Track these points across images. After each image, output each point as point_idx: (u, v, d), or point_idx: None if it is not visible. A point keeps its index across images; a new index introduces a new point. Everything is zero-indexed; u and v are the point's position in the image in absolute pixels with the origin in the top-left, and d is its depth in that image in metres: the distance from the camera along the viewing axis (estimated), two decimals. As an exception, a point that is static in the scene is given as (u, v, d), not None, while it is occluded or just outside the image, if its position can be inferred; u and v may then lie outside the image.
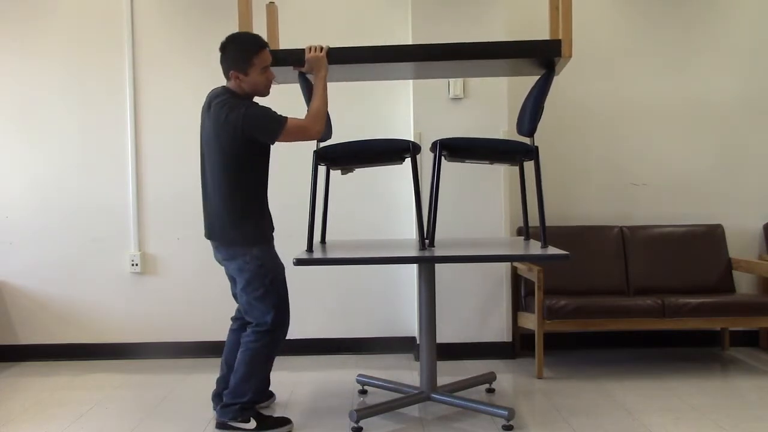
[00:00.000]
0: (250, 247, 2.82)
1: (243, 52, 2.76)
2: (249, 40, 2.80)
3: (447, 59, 2.93)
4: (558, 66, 2.97)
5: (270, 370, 2.96)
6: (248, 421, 2.85)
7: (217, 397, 3.04)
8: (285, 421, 2.93)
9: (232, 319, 3.13)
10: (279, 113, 2.78)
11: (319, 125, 2.81)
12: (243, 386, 2.85)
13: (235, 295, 3.03)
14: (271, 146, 2.86)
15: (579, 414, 3.05)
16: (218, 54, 2.84)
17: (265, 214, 2.91)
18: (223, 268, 3.01)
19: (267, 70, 2.81)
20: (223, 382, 3.03)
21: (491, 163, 3.34)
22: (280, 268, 2.90)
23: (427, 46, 2.98)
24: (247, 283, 2.84)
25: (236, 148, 2.74)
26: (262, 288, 2.83)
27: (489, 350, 4.04)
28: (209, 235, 2.92)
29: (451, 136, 2.98)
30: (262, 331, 2.85)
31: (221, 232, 2.85)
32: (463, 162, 3.17)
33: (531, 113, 2.90)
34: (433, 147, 2.88)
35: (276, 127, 2.74)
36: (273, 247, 2.92)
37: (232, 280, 2.99)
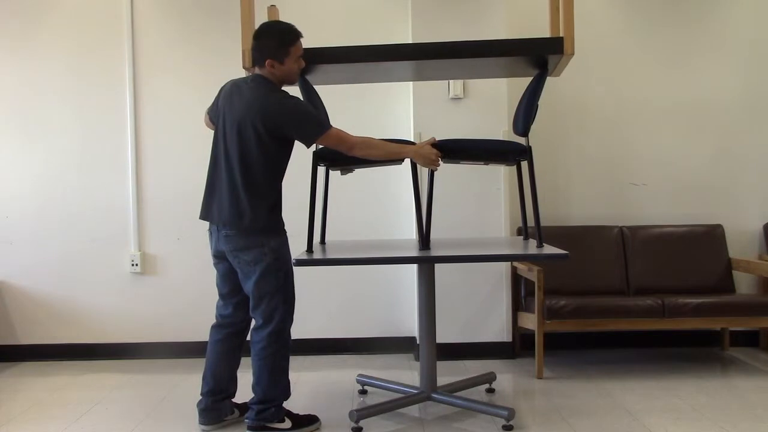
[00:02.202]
0: (268, 238, 2.76)
1: (281, 41, 2.76)
2: (286, 30, 2.79)
3: (446, 58, 2.90)
4: (560, 65, 2.95)
5: (288, 364, 2.91)
6: (283, 420, 2.85)
7: (204, 411, 2.93)
8: (314, 419, 2.94)
9: (215, 327, 3.00)
10: (325, 119, 2.79)
11: (361, 151, 2.78)
12: (272, 391, 2.83)
13: (224, 294, 2.95)
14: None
15: (579, 414, 3.06)
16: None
17: (280, 207, 2.86)
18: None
19: (299, 59, 2.82)
20: (211, 396, 2.93)
21: (486, 164, 3.33)
22: (291, 264, 2.83)
23: (426, 45, 2.94)
24: (261, 275, 2.75)
25: (274, 137, 2.71)
26: (276, 282, 2.77)
27: (489, 350, 4.04)
28: (223, 222, 2.77)
29: (450, 137, 2.98)
30: (272, 332, 2.79)
31: (239, 220, 2.73)
32: (458, 163, 3.17)
33: (525, 113, 2.90)
34: (428, 149, 2.87)
35: (318, 130, 2.72)
36: (287, 241, 2.86)
37: (229, 276, 2.89)
